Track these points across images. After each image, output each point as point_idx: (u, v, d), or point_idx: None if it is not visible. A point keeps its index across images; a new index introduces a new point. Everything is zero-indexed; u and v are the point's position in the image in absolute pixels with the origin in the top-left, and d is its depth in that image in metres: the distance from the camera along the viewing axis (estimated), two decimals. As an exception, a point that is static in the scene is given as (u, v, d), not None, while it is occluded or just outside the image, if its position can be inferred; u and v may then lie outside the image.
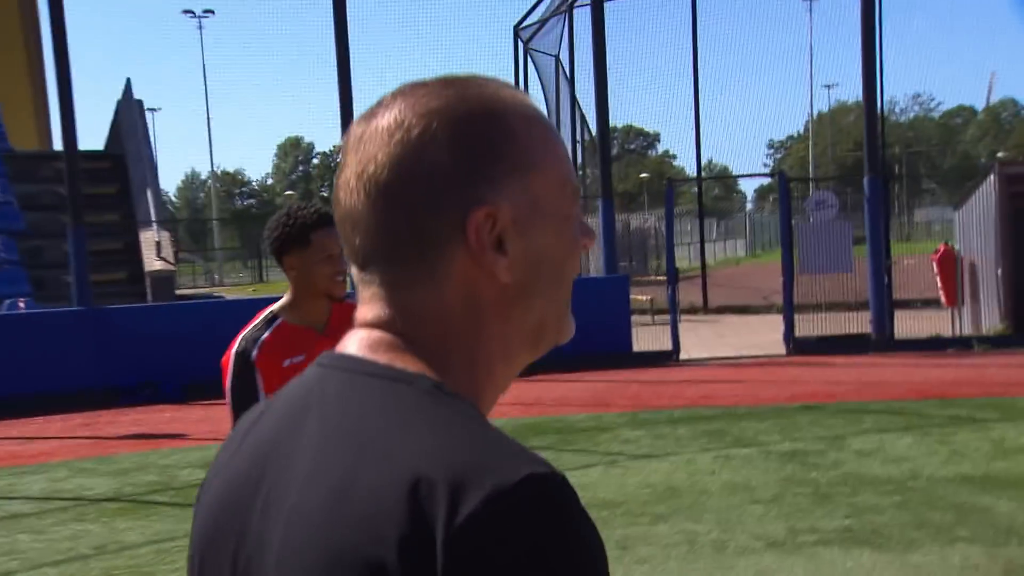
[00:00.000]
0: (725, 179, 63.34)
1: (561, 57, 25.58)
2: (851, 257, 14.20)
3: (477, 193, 0.97)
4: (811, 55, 43.41)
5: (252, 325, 3.22)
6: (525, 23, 23.85)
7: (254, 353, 3.13)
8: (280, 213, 3.25)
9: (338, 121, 13.62)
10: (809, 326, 14.79)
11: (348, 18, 13.51)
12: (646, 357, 14.62)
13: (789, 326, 14.51)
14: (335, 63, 13.55)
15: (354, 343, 1.02)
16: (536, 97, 25.52)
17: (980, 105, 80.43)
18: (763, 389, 11.99)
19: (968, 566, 5.51)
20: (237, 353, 3.14)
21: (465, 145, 0.98)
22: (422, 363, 0.98)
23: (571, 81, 24.60)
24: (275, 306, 3.26)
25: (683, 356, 14.95)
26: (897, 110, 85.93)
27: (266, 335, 3.16)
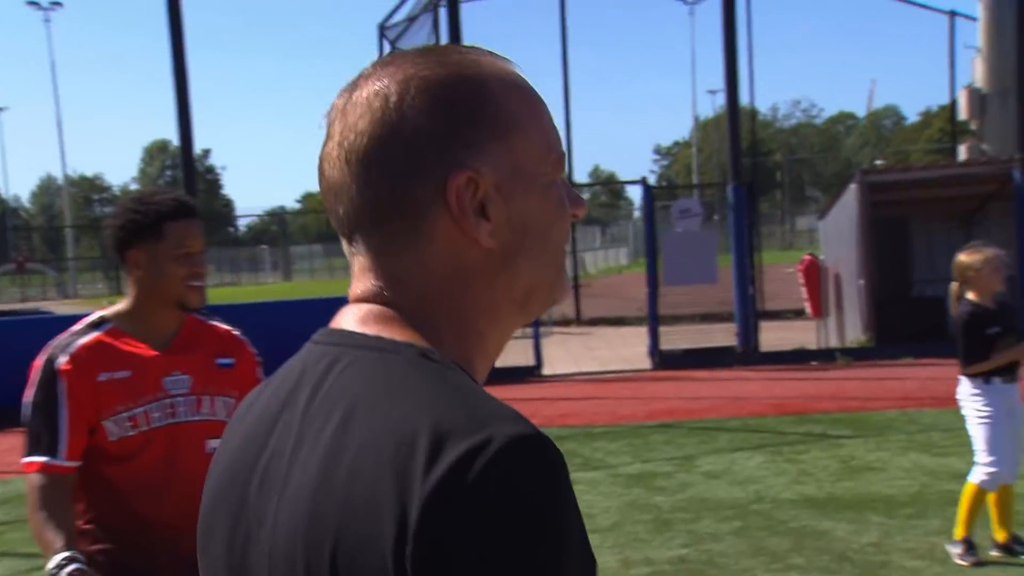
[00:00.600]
0: (591, 185, 63.57)
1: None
2: (715, 267, 14.26)
3: (457, 158, 1.00)
4: (692, 60, 44.22)
5: (71, 329, 2.68)
6: (391, 21, 23.48)
7: (60, 360, 2.58)
8: (128, 198, 2.72)
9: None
10: (675, 339, 14.82)
11: (184, 20, 12.99)
12: (507, 373, 14.42)
13: (654, 339, 14.52)
14: (171, 68, 13.01)
15: (347, 318, 1.05)
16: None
17: (862, 112, 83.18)
18: (623, 406, 11.92)
19: (796, 598, 5.44)
20: (45, 361, 2.61)
21: (444, 110, 1.00)
22: (412, 332, 1.02)
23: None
24: (108, 310, 2.72)
25: (547, 371, 14.82)
26: (780, 116, 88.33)
27: (83, 341, 2.62)
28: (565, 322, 22.16)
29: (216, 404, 2.73)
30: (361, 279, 1.06)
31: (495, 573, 0.85)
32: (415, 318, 1.03)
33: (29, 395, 2.61)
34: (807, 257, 15.74)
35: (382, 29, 23.66)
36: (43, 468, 2.55)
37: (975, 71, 15.12)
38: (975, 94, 14.88)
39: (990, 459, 5.59)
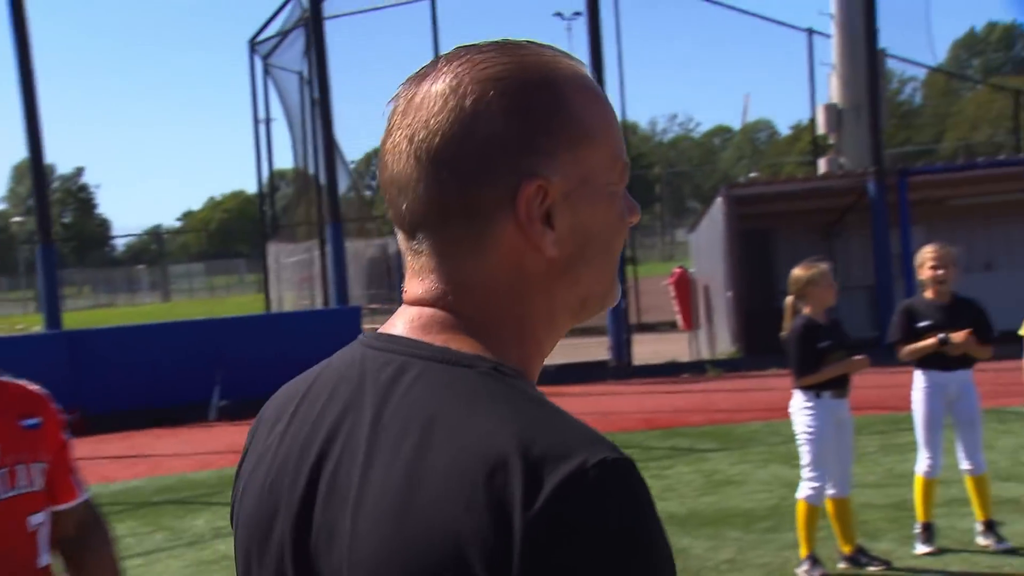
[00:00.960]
0: None
1: (306, 74, 24.92)
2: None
3: (530, 165, 0.98)
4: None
5: None
6: (262, 37, 23.04)
7: None
8: None
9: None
10: (552, 353, 14.78)
11: (31, 34, 12.45)
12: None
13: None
14: (18, 85, 12.45)
15: (403, 322, 1.02)
16: (275, 117, 24.86)
17: (738, 125, 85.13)
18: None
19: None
20: None
21: (521, 115, 0.99)
22: (476, 342, 1.00)
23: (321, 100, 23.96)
24: None
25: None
26: (659, 130, 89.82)
27: None
28: None
29: (33, 473, 2.37)
30: (423, 279, 1.03)
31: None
32: (478, 326, 1.01)
33: None
34: (677, 270, 15.94)
35: (252, 44, 23.22)
36: None
37: (831, 87, 15.53)
38: (831, 109, 15.25)
39: (813, 474, 5.67)
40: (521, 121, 0.99)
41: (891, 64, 20.26)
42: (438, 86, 1.00)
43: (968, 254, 15.81)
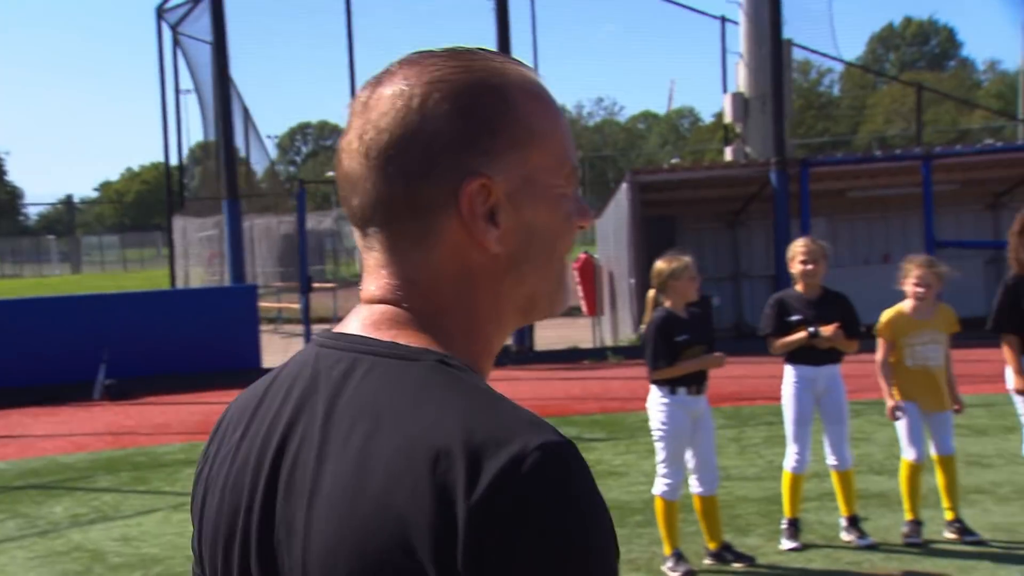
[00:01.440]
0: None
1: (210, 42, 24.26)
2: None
3: (473, 164, 1.02)
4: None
5: None
6: (170, 4, 22.33)
7: None
8: None
9: None
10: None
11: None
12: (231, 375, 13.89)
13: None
14: None
15: (357, 320, 1.07)
16: (183, 88, 24.14)
17: (663, 111, 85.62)
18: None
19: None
20: None
21: (465, 116, 1.03)
22: (425, 336, 1.04)
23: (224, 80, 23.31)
24: None
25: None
26: (585, 114, 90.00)
27: None
28: (321, 319, 21.63)
29: None
30: (375, 276, 1.07)
31: (543, 570, 0.89)
32: (427, 320, 1.05)
33: None
34: (582, 255, 15.80)
35: (160, 12, 22.51)
36: None
37: (739, 76, 15.50)
38: (738, 98, 15.24)
39: (666, 470, 5.59)
40: (465, 121, 1.02)
41: (811, 55, 20.34)
42: (389, 89, 1.05)
43: (867, 246, 16.07)
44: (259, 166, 33.96)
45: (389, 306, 1.06)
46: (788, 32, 15.22)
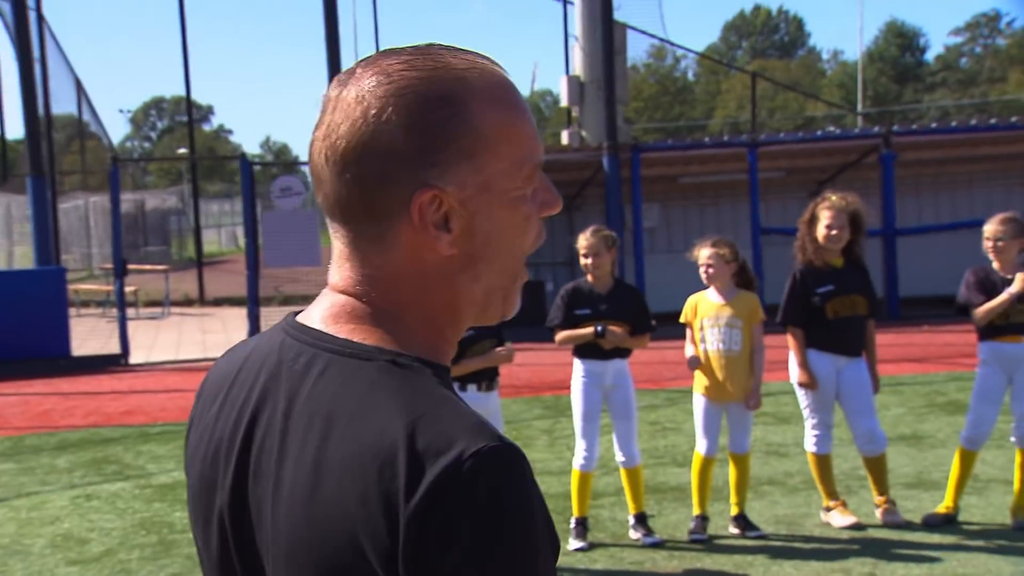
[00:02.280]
0: (149, 160, 58.83)
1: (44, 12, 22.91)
2: (318, 249, 13.61)
3: (424, 176, 1.06)
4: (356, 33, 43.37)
5: None
6: None
7: None
8: None
9: None
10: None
11: None
12: (89, 362, 13.16)
13: (254, 323, 13.71)
14: None
15: (319, 310, 1.13)
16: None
17: (525, 92, 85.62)
18: (202, 399, 11.00)
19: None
20: None
21: (417, 130, 1.06)
22: (381, 332, 1.10)
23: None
24: None
25: (138, 360, 13.64)
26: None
27: None
28: (188, 302, 20.86)
29: None
30: (339, 266, 1.12)
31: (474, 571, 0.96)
32: (384, 315, 1.10)
33: None
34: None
35: None
36: None
37: (575, 60, 15.34)
38: (574, 81, 15.08)
39: None
40: (418, 136, 1.05)
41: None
42: (352, 92, 1.08)
43: (699, 231, 16.15)
44: (109, 141, 32.58)
45: (350, 299, 1.10)
46: (624, 16, 15.15)
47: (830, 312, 5.75)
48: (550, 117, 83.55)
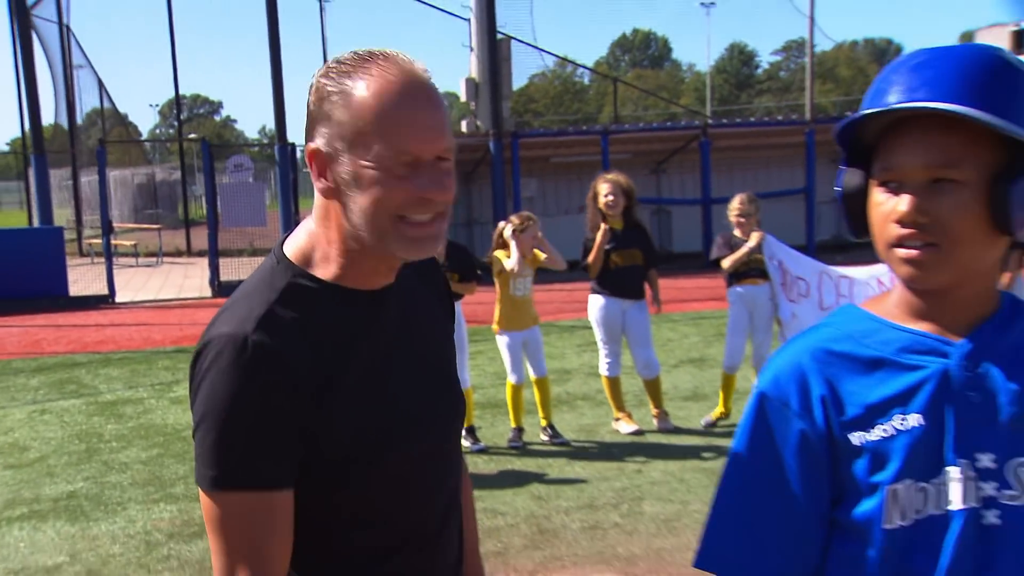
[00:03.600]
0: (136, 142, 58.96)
1: (73, 26, 21.53)
2: (264, 213, 13.02)
3: (314, 136, 1.14)
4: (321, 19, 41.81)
5: None
6: None
7: None
8: None
9: None
10: (234, 270, 13.40)
11: None
12: (83, 301, 12.44)
13: (215, 271, 13.06)
14: None
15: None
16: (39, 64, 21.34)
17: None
18: (168, 332, 10.42)
19: None
20: None
21: (320, 107, 1.13)
22: (302, 238, 1.18)
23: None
24: None
25: (124, 299, 12.94)
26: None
27: None
28: (178, 253, 20.02)
29: None
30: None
31: (195, 426, 1.09)
32: (314, 230, 1.17)
33: None
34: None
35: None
36: None
37: (471, 65, 14.76)
38: (470, 83, 14.51)
39: None
40: (319, 110, 1.13)
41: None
42: (314, 76, 1.16)
43: (567, 200, 15.83)
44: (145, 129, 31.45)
45: (305, 219, 1.21)
46: (513, 31, 14.59)
47: (612, 263, 5.45)
48: (452, 110, 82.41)
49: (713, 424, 5.62)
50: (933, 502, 0.97)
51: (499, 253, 5.38)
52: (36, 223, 21.15)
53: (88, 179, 24.57)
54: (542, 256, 5.37)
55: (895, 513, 0.97)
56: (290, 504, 1.10)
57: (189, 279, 15.48)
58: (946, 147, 0.94)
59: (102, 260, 16.51)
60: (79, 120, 22.70)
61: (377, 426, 1.14)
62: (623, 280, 5.46)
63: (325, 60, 1.37)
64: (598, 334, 5.60)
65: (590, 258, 5.44)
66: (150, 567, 3.91)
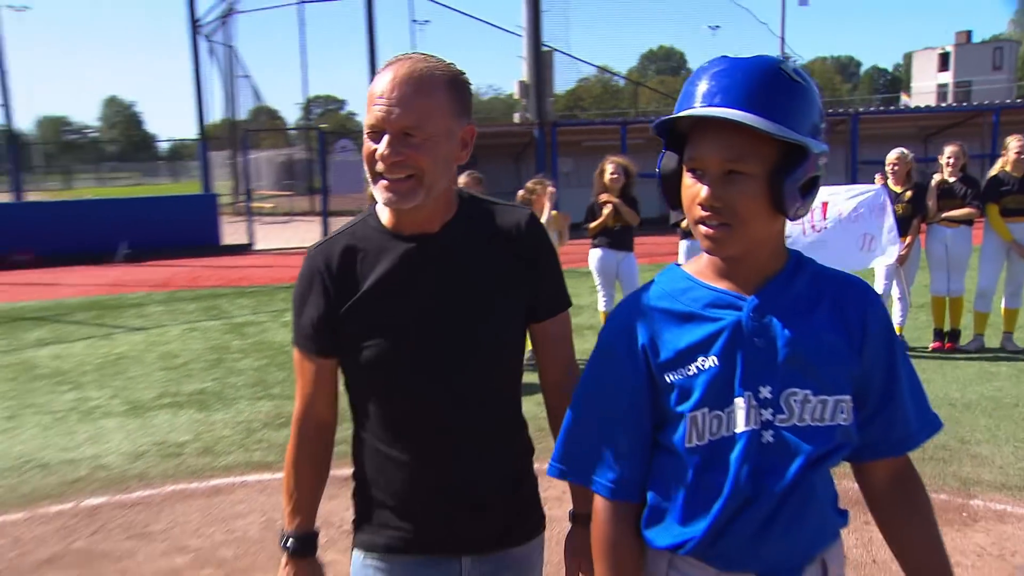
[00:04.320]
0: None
1: (236, 46, 21.59)
2: (362, 183, 12.97)
3: None
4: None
5: None
6: (204, 21, 19.53)
7: None
8: None
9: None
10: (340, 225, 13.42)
11: None
12: (231, 248, 12.72)
13: (325, 227, 13.17)
14: None
15: None
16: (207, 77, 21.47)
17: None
18: (289, 272, 10.49)
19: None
20: None
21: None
22: None
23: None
24: None
25: (260, 247, 13.14)
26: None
27: None
28: (303, 213, 20.21)
29: None
30: None
31: None
32: None
33: None
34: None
35: (195, 26, 19.65)
36: None
37: (523, 70, 14.29)
38: (522, 84, 14.08)
39: None
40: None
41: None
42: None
43: (589, 176, 15.36)
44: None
45: None
46: (562, 45, 14.04)
47: (610, 223, 5.22)
48: (511, 104, 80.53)
49: None
50: (724, 426, 0.97)
51: None
52: (200, 191, 21.79)
53: (239, 160, 25.01)
54: (557, 216, 5.19)
55: (694, 435, 0.98)
56: (328, 367, 1.20)
57: (309, 233, 15.64)
58: (735, 145, 0.93)
59: (271, 219, 16.85)
60: (244, 115, 23.00)
61: (384, 324, 1.16)
62: (617, 237, 5.25)
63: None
64: (596, 280, 5.39)
65: (597, 223, 5.24)
66: (248, 447, 3.95)
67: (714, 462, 0.96)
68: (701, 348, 0.97)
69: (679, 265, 1.05)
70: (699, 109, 0.94)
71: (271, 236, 14.83)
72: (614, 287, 5.39)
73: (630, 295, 1.06)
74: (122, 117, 72.91)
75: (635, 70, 65.38)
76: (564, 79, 15.43)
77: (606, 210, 5.18)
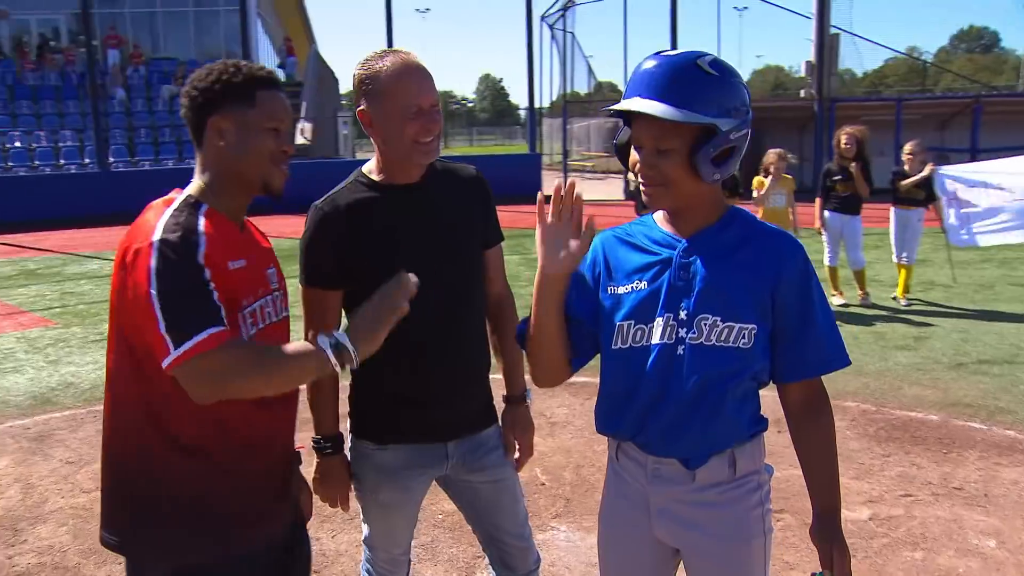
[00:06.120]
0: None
1: (576, 32, 21.79)
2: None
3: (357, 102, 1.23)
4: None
5: (166, 209, 1.03)
6: (549, 12, 20.66)
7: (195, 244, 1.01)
8: (215, 63, 1.10)
9: None
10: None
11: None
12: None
13: (626, 184, 12.87)
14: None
15: None
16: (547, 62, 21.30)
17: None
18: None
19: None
20: (172, 244, 0.99)
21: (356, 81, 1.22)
22: (372, 160, 1.25)
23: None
24: (190, 189, 1.08)
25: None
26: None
27: (200, 224, 1.02)
28: (618, 171, 18.92)
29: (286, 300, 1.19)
30: None
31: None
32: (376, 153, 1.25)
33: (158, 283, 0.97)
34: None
35: (543, 17, 20.19)
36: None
37: (811, 51, 12.44)
38: (808, 64, 12.27)
39: None
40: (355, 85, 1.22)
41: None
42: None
43: (873, 146, 12.21)
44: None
45: None
46: (846, 26, 11.75)
47: (837, 189, 5.01)
48: (797, 79, 64.35)
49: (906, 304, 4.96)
50: (644, 337, 1.03)
51: (756, 180, 5.12)
52: (527, 151, 22.51)
53: (573, 126, 24.61)
54: (787, 180, 5.01)
55: (619, 340, 1.04)
56: (336, 297, 1.24)
57: (614, 187, 15.05)
58: (660, 127, 0.98)
59: (579, 175, 17.33)
60: (584, 89, 21.90)
61: (388, 252, 1.22)
62: (845, 202, 5.01)
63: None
64: (823, 236, 5.15)
65: (860, 184, 4.85)
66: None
67: (633, 364, 1.02)
68: (639, 272, 1.04)
69: (651, 215, 1.10)
70: (622, 103, 0.99)
71: (589, 189, 14.65)
72: (839, 245, 5.11)
73: (611, 228, 1.11)
74: (491, 91, 73.35)
75: (944, 49, 50.46)
76: (868, 59, 12.82)
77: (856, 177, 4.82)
